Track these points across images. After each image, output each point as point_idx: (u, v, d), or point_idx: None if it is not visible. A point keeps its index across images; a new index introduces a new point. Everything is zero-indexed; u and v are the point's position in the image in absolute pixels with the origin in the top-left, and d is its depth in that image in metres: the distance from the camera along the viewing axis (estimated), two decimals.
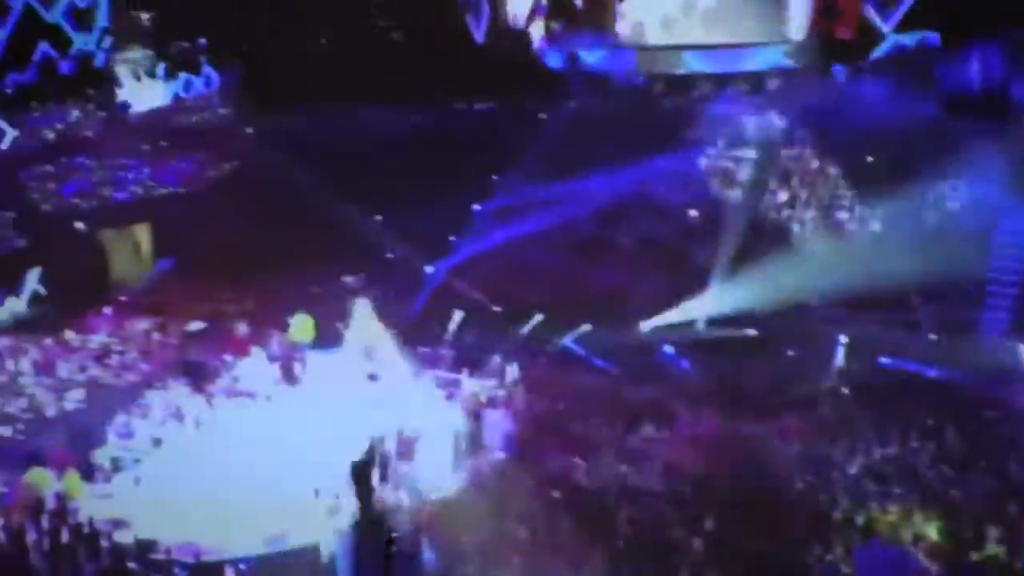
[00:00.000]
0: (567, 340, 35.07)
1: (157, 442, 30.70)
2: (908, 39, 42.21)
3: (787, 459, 27.79)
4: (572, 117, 41.75)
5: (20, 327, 38.10)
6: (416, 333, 35.61)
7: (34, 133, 44.25)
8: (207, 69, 47.29)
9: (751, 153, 40.62)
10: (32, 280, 40.34)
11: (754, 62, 43.60)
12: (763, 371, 32.24)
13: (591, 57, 44.83)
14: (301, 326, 35.40)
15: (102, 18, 44.92)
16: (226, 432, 31.43)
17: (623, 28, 45.21)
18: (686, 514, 25.33)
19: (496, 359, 33.25)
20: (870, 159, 38.64)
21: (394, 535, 16.56)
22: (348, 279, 38.94)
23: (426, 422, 30.37)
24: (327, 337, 35.47)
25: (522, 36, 45.33)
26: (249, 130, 45.85)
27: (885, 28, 42.36)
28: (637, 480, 27.27)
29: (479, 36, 45.48)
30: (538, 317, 35.90)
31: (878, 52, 42.38)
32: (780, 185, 39.46)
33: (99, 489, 28.85)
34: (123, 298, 40.27)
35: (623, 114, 41.96)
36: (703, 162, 40.74)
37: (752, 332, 34.00)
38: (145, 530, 26.68)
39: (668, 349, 33.94)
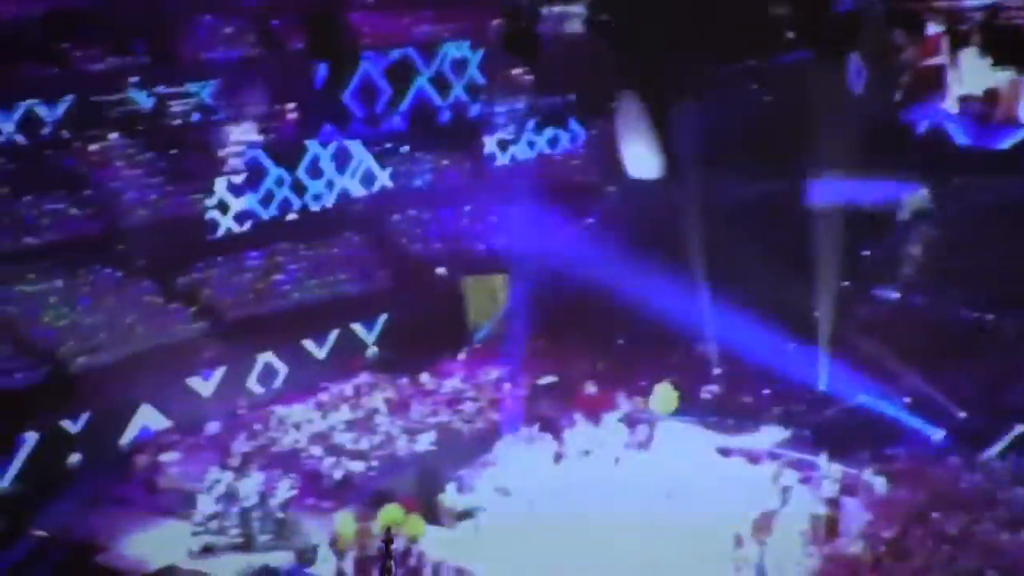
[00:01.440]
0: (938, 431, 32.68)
1: (503, 492, 30.41)
2: None
3: None
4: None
5: (379, 366, 38.94)
6: (775, 412, 34.18)
7: (403, 179, 45.68)
8: (574, 125, 47.60)
9: None
10: (386, 320, 41.36)
11: None
12: None
13: None
14: (664, 396, 34.47)
15: (475, 71, 45.90)
16: (571, 489, 30.87)
17: None
18: None
19: (857, 446, 31.41)
20: None
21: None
22: (702, 348, 37.84)
23: (779, 503, 28.91)
24: (681, 406, 34.53)
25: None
26: (611, 188, 45.76)
27: None
28: None
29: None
30: (904, 399, 33.69)
31: None
32: None
33: (443, 534, 28.83)
34: (477, 345, 40.69)
35: None
36: None
37: None
38: None
39: None
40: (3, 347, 34.78)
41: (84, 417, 33.95)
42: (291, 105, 45.78)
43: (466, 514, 29.56)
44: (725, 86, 43.62)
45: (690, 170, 41.22)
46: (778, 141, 40.38)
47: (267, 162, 42.09)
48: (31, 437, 32.82)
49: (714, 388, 35.77)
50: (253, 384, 37.85)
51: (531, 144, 47.22)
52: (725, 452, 32.43)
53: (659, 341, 37.81)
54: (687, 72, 42.81)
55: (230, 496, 29.73)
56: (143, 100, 43.27)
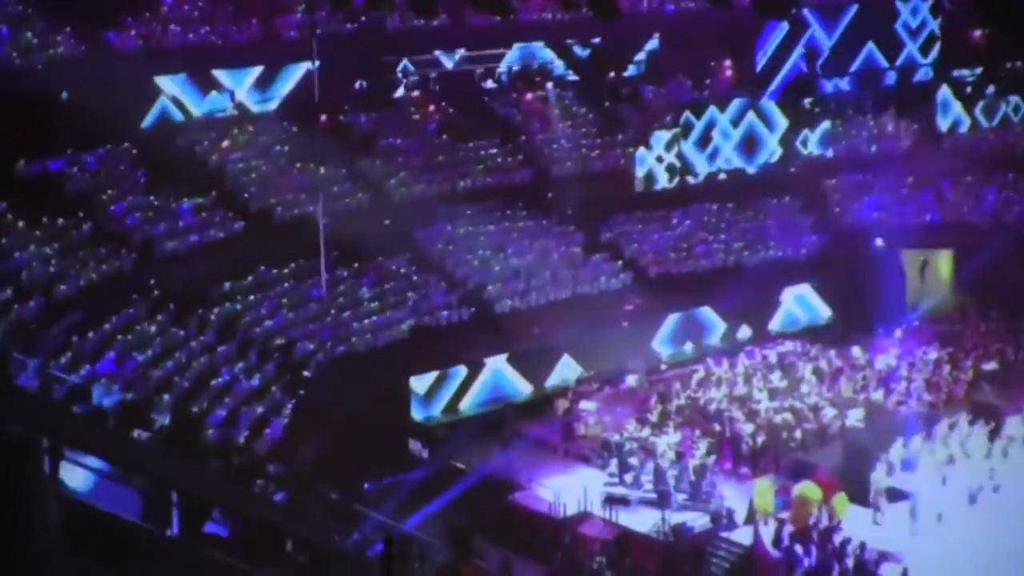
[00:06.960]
0: None
1: (941, 479, 27.72)
2: None
3: None
4: None
5: (807, 335, 37.00)
6: None
7: (843, 144, 43.40)
8: None
9: None
10: (817, 290, 39.29)
11: None
12: None
13: None
14: None
15: (932, 31, 42.63)
16: (1017, 484, 27.74)
17: None
18: None
19: None
20: None
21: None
22: None
23: None
24: None
25: None
26: None
27: None
28: None
29: None
30: None
31: None
32: None
33: (870, 516, 26.71)
34: (915, 323, 37.87)
35: None
36: None
37: None
38: (916, 568, 24.30)
39: None
40: (436, 285, 35.33)
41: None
42: (727, 62, 44.43)
43: (898, 497, 27.18)
44: None
45: None
46: None
47: (701, 119, 40.75)
48: (458, 372, 33.20)
49: None
50: (674, 342, 36.79)
51: (990, 113, 43.39)
52: None
53: None
54: None
55: (646, 451, 29.01)
56: (578, 50, 43.08)
